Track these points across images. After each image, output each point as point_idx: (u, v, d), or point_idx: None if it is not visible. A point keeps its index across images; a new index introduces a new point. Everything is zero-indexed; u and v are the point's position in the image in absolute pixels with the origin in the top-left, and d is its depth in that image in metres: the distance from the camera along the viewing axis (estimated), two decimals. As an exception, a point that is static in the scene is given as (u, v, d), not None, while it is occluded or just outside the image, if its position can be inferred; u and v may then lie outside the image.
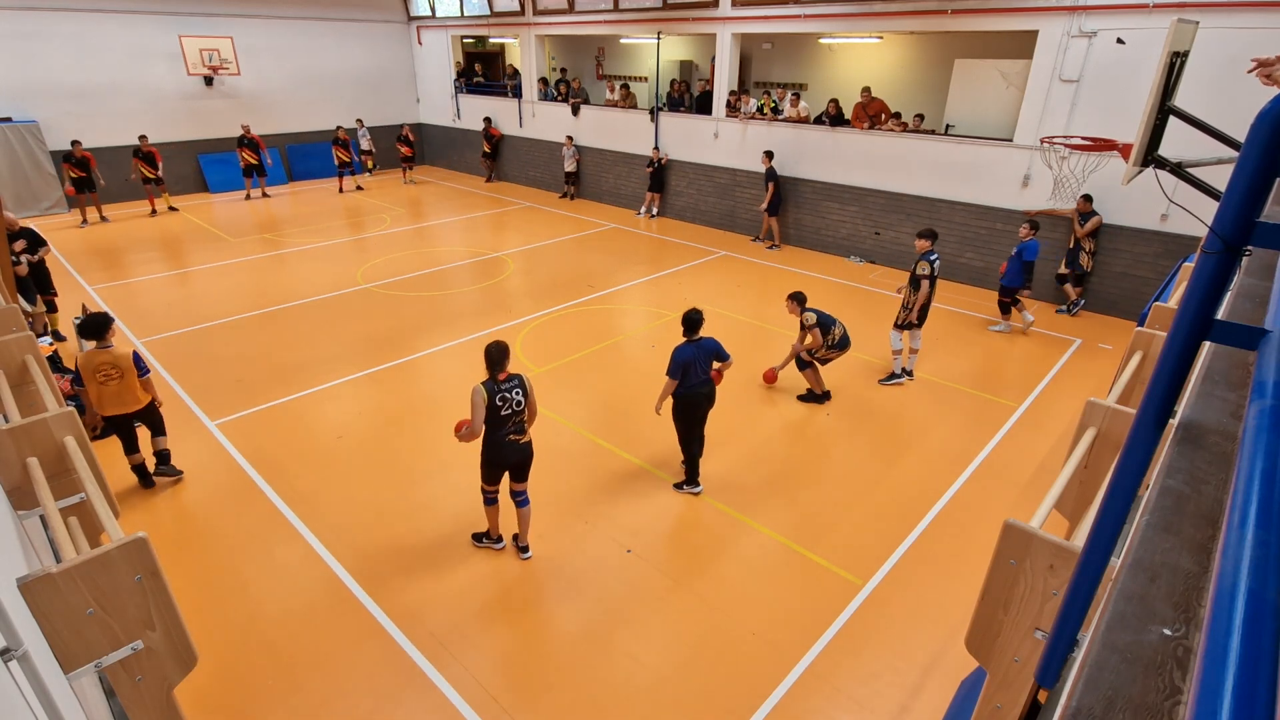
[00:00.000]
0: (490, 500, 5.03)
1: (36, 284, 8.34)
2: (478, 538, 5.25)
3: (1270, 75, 2.66)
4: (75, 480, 2.94)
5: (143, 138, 15.21)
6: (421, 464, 6.24)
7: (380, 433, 6.75)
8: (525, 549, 5.14)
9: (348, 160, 17.99)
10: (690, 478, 5.90)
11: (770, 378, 7.69)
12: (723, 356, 5.70)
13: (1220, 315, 1.03)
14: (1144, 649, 0.88)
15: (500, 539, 5.20)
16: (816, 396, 7.48)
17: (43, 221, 14.52)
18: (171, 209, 15.94)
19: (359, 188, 18.34)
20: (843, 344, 7.21)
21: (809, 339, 7.10)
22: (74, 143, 13.91)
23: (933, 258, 7.46)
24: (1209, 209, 1.44)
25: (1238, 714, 0.48)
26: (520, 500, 5.06)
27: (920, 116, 12.12)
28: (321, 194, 17.76)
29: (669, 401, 5.65)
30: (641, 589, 4.81)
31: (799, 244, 13.52)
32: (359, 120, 18.93)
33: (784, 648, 4.35)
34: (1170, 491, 1.16)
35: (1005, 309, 9.41)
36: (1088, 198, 9.45)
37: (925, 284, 7.45)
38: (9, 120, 14.47)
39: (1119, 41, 9.23)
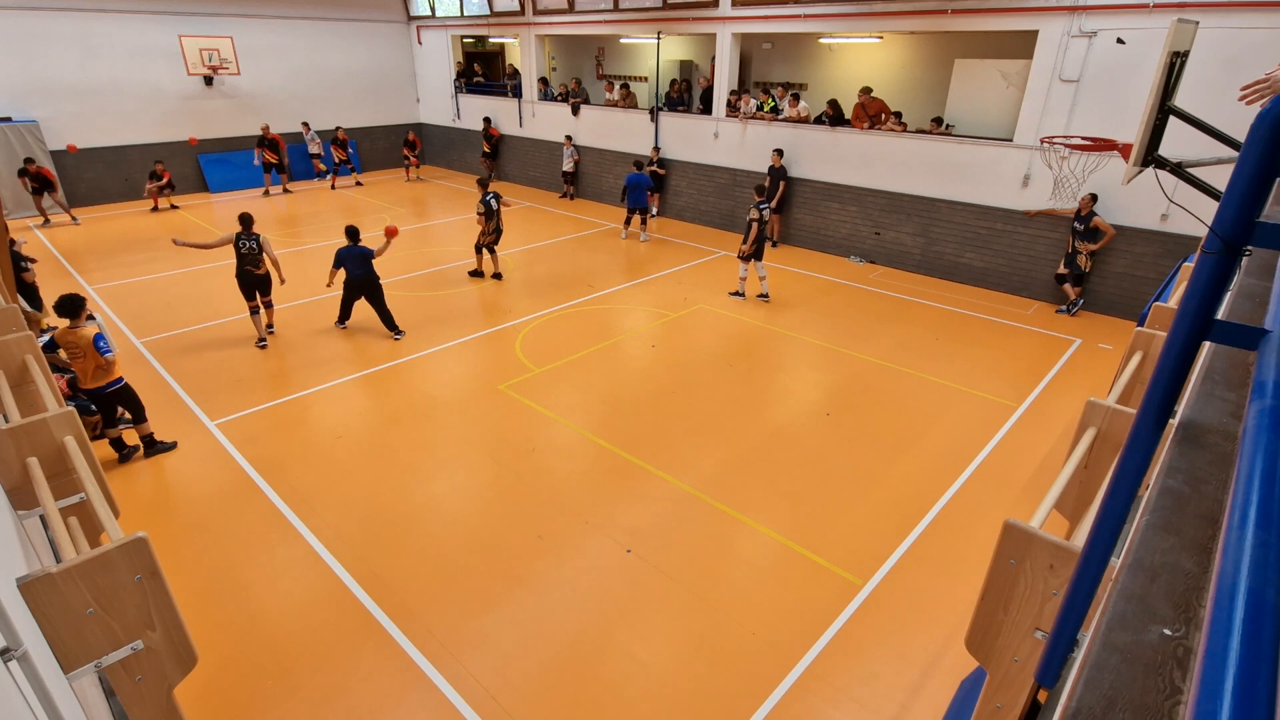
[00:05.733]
0: (255, 310, 8.55)
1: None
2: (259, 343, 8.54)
3: (1261, 92, 2.61)
4: (75, 480, 2.94)
5: (159, 163, 15.54)
6: (421, 464, 6.24)
7: (380, 433, 6.75)
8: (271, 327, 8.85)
9: (346, 159, 18.15)
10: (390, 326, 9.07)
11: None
12: (369, 256, 8.69)
13: (1220, 315, 1.03)
14: (1144, 649, 0.88)
15: (263, 339, 8.61)
16: (479, 274, 11.29)
17: (37, 220, 14.52)
18: (173, 207, 16.10)
19: (357, 184, 18.36)
20: (495, 235, 10.94)
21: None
22: (27, 160, 14.09)
23: (761, 207, 9.83)
24: (1209, 209, 1.44)
25: (1238, 714, 0.48)
26: (267, 305, 8.73)
27: (938, 120, 12.00)
28: (321, 193, 17.77)
29: (340, 286, 9.08)
30: (641, 589, 4.81)
31: (799, 244, 13.53)
32: (305, 124, 18.33)
33: (784, 648, 4.35)
34: (1170, 491, 1.16)
35: (634, 219, 13.76)
36: (1093, 196, 9.43)
37: (755, 226, 9.79)
38: (9, 120, 14.47)
39: (1119, 41, 9.23)
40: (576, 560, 5.07)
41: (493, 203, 10.66)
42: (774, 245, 13.40)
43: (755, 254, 10.06)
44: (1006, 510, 5.70)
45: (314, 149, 18.48)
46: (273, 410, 7.15)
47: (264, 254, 8.26)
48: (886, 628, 4.52)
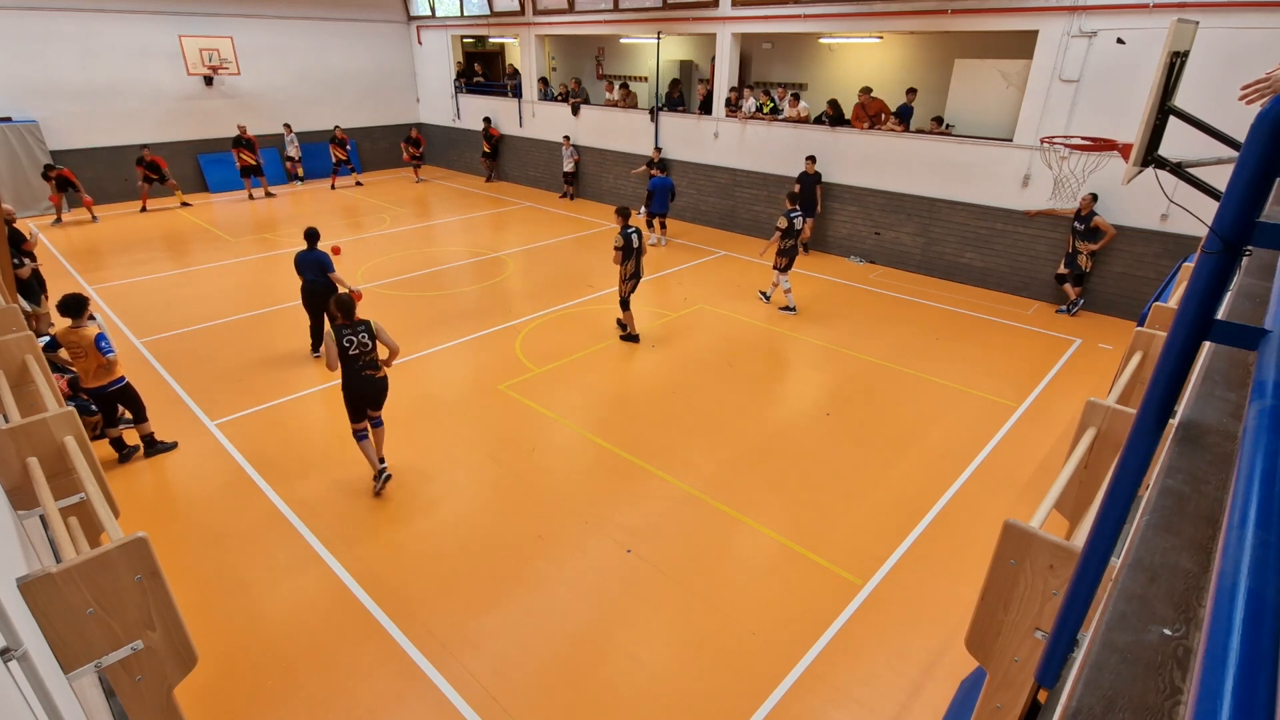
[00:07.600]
0: (363, 435, 5.77)
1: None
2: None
3: (1262, 92, 2.60)
4: (75, 480, 2.94)
5: (145, 148, 15.42)
6: (421, 463, 6.24)
7: (380, 433, 6.74)
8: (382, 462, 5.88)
9: (345, 159, 18.11)
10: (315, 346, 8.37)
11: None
12: (329, 268, 7.80)
13: (1220, 315, 1.03)
14: (1144, 649, 0.88)
15: (380, 475, 5.78)
16: (631, 336, 8.96)
17: (41, 220, 14.53)
18: (184, 204, 16.21)
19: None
20: (634, 276, 8.63)
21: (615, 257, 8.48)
22: (48, 167, 14.09)
23: (792, 215, 9.43)
24: (1209, 209, 1.44)
25: (1238, 714, 0.48)
26: (377, 423, 5.85)
27: (938, 120, 11.94)
28: (322, 193, 17.77)
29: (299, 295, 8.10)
30: (642, 589, 4.81)
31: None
32: (286, 125, 17.93)
33: (784, 648, 4.35)
34: (1170, 491, 1.16)
35: (661, 226, 13.53)
36: (1093, 196, 9.43)
37: (778, 234, 9.42)
38: (9, 120, 14.48)
39: (1119, 41, 9.23)
40: (576, 560, 5.07)
41: (634, 238, 8.43)
42: (805, 250, 13.14)
43: (787, 265, 9.68)
44: (1006, 510, 5.70)
45: (291, 151, 18.00)
46: (273, 410, 7.15)
47: (377, 348, 5.60)
48: (886, 628, 4.52)
